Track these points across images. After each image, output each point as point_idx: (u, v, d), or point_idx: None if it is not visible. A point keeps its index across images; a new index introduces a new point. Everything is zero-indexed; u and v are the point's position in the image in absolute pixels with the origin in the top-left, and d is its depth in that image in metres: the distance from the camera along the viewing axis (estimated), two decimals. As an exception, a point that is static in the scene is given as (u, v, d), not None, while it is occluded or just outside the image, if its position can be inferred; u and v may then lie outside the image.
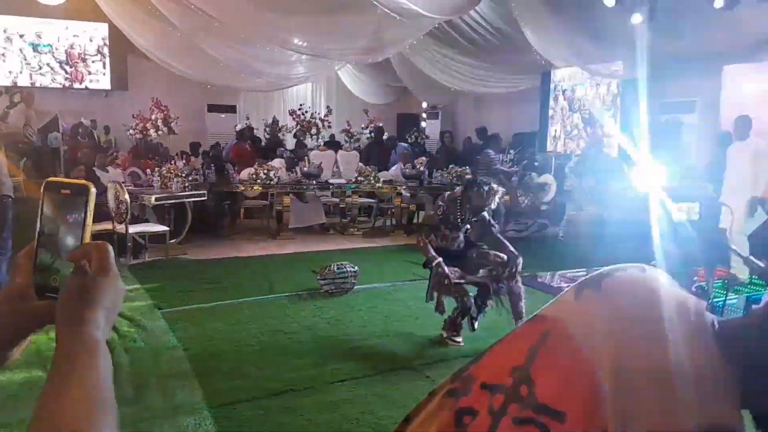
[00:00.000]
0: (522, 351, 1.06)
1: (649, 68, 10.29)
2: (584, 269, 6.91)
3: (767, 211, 6.46)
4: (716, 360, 0.91)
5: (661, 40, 8.74)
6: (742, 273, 5.92)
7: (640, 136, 10.72)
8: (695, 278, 2.23)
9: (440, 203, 4.45)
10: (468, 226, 4.38)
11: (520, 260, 4.19)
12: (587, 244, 8.58)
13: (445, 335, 4.37)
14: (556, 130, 12.37)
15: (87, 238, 0.65)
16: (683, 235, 2.14)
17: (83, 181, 0.66)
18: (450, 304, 4.39)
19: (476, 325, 4.37)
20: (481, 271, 4.31)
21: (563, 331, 1.02)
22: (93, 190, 0.66)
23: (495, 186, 4.33)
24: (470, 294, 4.23)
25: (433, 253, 4.21)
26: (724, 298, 4.33)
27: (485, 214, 4.34)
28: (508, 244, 4.30)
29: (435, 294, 4.37)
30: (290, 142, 12.92)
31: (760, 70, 8.47)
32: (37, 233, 0.67)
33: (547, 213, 9.71)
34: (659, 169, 8.71)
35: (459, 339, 4.31)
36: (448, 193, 4.49)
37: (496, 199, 4.31)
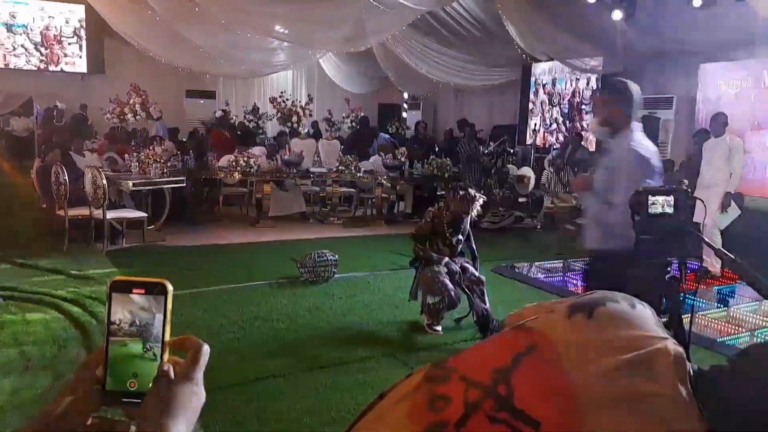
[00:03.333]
0: (506, 356, 1.09)
1: (627, 65, 10.45)
2: (561, 260, 7.03)
3: (741, 206, 6.63)
4: (690, 404, 0.96)
5: (640, 37, 8.87)
6: (715, 266, 6.08)
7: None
8: (668, 269, 2.29)
9: (428, 218, 4.37)
10: (459, 237, 4.33)
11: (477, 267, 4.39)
12: (565, 236, 8.72)
13: (426, 321, 4.38)
14: (535, 124, 12.49)
15: (168, 337, 0.62)
16: (657, 227, 2.19)
17: (158, 279, 0.62)
18: None
19: (462, 321, 4.41)
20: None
21: (550, 348, 1.06)
22: (170, 287, 0.62)
23: (473, 192, 4.28)
24: (456, 291, 4.23)
25: (437, 255, 4.25)
26: (695, 290, 4.45)
27: (467, 227, 4.37)
28: (476, 266, 4.39)
29: (420, 293, 4.35)
30: (271, 130, 12.84)
31: (736, 69, 8.64)
32: (106, 337, 0.63)
33: (526, 205, 9.82)
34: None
35: (438, 328, 4.34)
36: (433, 209, 4.47)
37: (476, 205, 4.27)
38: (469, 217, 4.32)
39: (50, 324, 4.21)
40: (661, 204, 2.18)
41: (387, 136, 11.86)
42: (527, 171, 9.71)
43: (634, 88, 3.12)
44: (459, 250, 4.38)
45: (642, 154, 2.94)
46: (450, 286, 4.17)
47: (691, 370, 1.01)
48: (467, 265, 4.37)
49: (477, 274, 4.31)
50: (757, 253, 7.04)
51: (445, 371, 1.14)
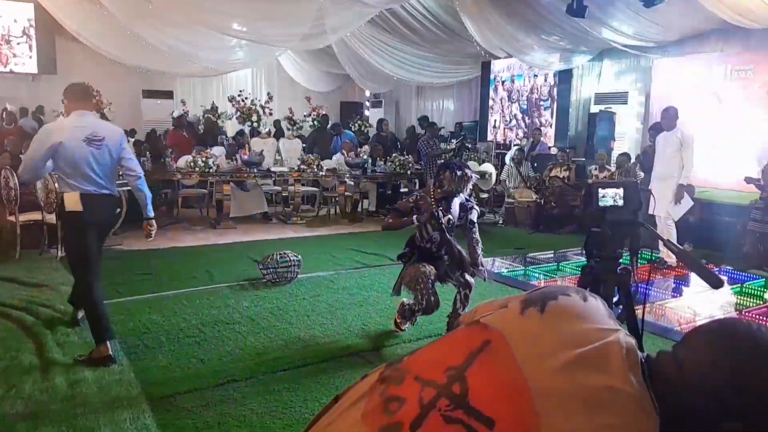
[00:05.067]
0: (460, 353, 1.09)
1: (583, 61, 10.66)
2: (520, 254, 7.13)
3: (694, 198, 6.82)
4: (642, 392, 0.98)
5: (594, 34, 9.05)
6: (671, 257, 6.24)
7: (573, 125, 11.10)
8: (619, 261, 2.34)
9: (411, 198, 4.17)
10: (450, 217, 4.03)
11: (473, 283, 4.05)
12: (524, 229, 8.85)
13: (397, 319, 4.27)
14: (496, 120, 12.63)
15: None
16: (609, 220, 2.23)
17: None
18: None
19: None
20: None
21: (503, 343, 1.06)
22: None
23: (468, 172, 4.00)
24: (437, 297, 3.95)
25: (408, 218, 4.00)
26: (647, 280, 4.56)
27: (474, 215, 4.12)
28: (480, 253, 4.11)
29: (402, 289, 4.11)
30: (231, 130, 12.67)
31: (686, 63, 8.89)
32: None
33: (487, 201, 9.93)
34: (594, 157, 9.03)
35: (405, 328, 4.27)
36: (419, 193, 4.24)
37: (469, 185, 4.02)
38: (463, 199, 4.07)
39: (1, 333, 4.07)
40: (611, 196, 2.23)
41: (352, 134, 11.84)
42: (488, 167, 9.82)
43: None
44: (452, 232, 4.08)
45: None
46: (433, 290, 3.92)
47: (642, 360, 1.03)
48: (464, 258, 4.06)
49: (467, 277, 4.03)
50: (710, 243, 7.31)
51: (399, 372, 1.14)
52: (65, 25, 9.38)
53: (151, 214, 4.09)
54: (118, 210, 4.16)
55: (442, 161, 4.72)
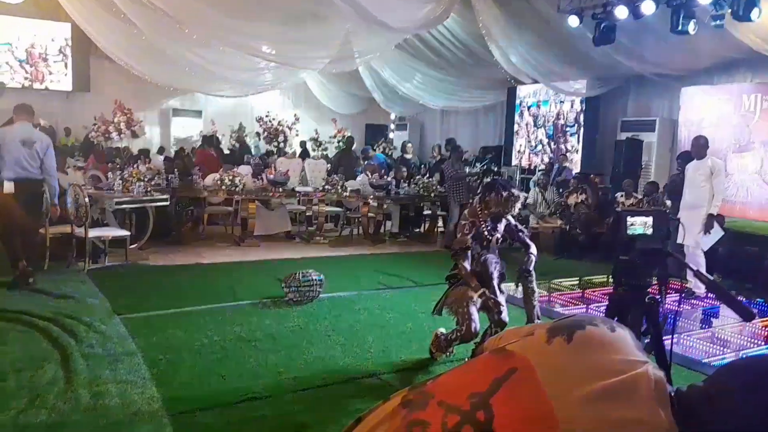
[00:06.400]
0: (485, 380, 1.08)
1: (610, 88, 10.62)
2: (546, 281, 7.05)
3: (724, 228, 6.70)
4: (670, 426, 0.96)
5: (622, 62, 9.02)
6: (699, 287, 6.12)
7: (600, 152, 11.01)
8: (648, 290, 2.30)
9: (464, 221, 3.99)
10: (498, 236, 3.93)
11: (533, 260, 3.92)
12: (549, 255, 8.75)
13: (432, 349, 4.08)
14: (521, 145, 12.60)
15: None
16: (638, 248, 2.20)
17: None
18: (448, 321, 4.07)
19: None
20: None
21: (530, 372, 1.05)
22: None
23: (515, 191, 3.87)
24: (477, 324, 3.73)
25: (477, 283, 3.80)
26: (676, 311, 4.48)
27: (510, 219, 3.99)
28: (532, 245, 4.00)
29: (444, 311, 3.98)
30: (257, 149, 12.85)
31: (715, 93, 8.80)
32: None
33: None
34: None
35: (441, 357, 4.07)
36: (469, 207, 4.12)
37: (518, 205, 3.91)
38: (511, 221, 3.99)
39: (27, 344, 4.13)
40: (640, 225, 2.20)
41: (383, 156, 11.88)
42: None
43: None
44: (497, 247, 4.01)
45: None
46: (475, 316, 3.71)
47: (671, 393, 1.01)
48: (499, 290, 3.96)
49: (503, 317, 3.82)
50: (739, 274, 7.15)
51: (422, 396, 1.13)
52: (99, 44, 9.64)
53: (57, 201, 5.88)
54: (43, 189, 5.80)
55: (487, 182, 4.55)
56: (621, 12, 7.63)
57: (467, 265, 3.86)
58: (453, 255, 3.96)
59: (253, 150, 12.77)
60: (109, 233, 6.82)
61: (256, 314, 5.10)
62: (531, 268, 3.93)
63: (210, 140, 11.13)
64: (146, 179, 7.57)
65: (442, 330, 4.03)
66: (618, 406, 0.99)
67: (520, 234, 4.02)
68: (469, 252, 3.87)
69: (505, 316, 3.85)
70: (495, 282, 3.95)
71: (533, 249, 4.00)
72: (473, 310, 3.73)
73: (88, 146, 11.75)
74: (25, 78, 12.47)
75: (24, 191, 5.59)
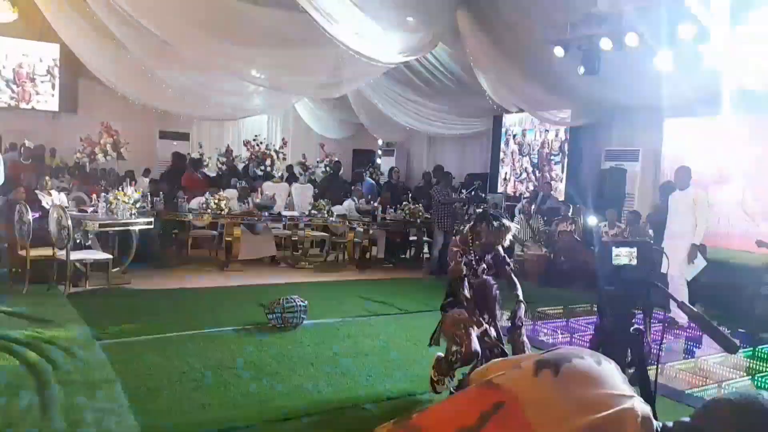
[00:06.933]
0: (472, 414, 1.07)
1: (594, 118, 10.77)
2: (530, 308, 7.03)
3: (706, 258, 6.76)
4: None
5: (606, 92, 9.17)
6: (682, 317, 6.15)
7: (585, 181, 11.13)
8: (633, 321, 2.31)
9: (455, 248, 3.89)
10: (484, 266, 3.90)
11: (523, 308, 3.82)
12: (533, 283, 8.76)
13: (433, 377, 3.90)
14: (506, 173, 12.70)
15: None
16: (623, 278, 2.21)
17: None
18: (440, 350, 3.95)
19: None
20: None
21: (517, 406, 1.05)
22: None
23: (507, 222, 3.88)
24: (477, 345, 3.60)
25: (479, 319, 3.70)
26: (660, 341, 4.49)
27: (500, 249, 3.95)
28: (518, 286, 3.92)
29: (441, 340, 3.88)
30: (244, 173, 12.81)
31: (698, 125, 8.95)
32: None
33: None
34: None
35: (443, 387, 3.88)
36: (459, 235, 4.04)
37: (509, 236, 3.89)
38: (499, 247, 3.95)
39: (3, 370, 4.03)
40: (625, 256, 2.21)
41: (372, 181, 11.91)
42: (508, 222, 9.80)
43: None
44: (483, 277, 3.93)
45: None
46: (473, 337, 3.58)
47: (658, 429, 1.01)
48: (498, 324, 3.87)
49: (500, 351, 3.71)
50: (722, 305, 7.20)
51: (409, 430, 1.11)
52: (88, 65, 9.64)
53: None
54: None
55: (479, 212, 4.48)
56: (605, 44, 7.77)
57: (467, 293, 3.77)
58: (450, 284, 3.90)
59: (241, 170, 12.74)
60: (90, 256, 6.73)
61: (238, 340, 5.03)
62: (521, 324, 3.80)
63: (197, 163, 11.08)
64: (131, 202, 7.48)
65: (441, 354, 3.88)
66: None
67: (507, 268, 3.97)
68: (466, 281, 3.80)
69: (504, 350, 3.74)
70: (496, 305, 3.88)
71: (519, 291, 3.89)
72: (471, 331, 3.62)
73: (74, 167, 11.67)
74: (11, 98, 12.42)
75: None
